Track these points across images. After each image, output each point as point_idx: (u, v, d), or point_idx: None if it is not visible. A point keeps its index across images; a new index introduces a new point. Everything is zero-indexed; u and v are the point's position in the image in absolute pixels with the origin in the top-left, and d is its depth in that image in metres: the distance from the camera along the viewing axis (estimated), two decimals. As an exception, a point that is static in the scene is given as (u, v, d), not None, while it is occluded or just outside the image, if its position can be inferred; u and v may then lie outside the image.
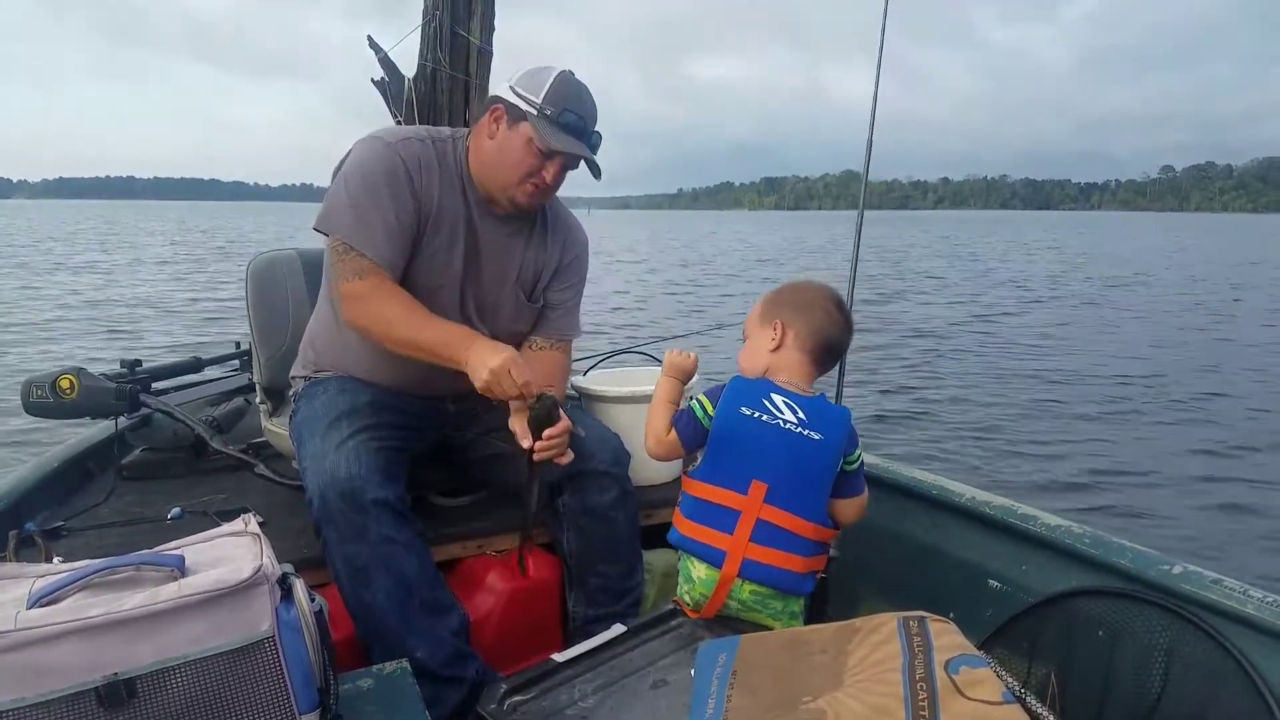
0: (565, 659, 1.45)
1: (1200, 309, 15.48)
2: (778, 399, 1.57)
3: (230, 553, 1.14)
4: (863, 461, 1.64)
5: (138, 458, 2.33)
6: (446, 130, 1.90)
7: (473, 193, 1.86)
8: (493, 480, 2.05)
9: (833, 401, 1.86)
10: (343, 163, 1.81)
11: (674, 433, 1.65)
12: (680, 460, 2.03)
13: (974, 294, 17.62)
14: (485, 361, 1.61)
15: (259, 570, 1.07)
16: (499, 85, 1.83)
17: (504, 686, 1.37)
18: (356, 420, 1.73)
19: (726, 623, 1.56)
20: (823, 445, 1.54)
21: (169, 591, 1.03)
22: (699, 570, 1.57)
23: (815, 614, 1.71)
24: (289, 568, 1.16)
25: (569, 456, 1.73)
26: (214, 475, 2.29)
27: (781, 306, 1.66)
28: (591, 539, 1.89)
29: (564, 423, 1.68)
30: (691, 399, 1.67)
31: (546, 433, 1.66)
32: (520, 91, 1.77)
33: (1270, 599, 1.43)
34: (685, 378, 1.73)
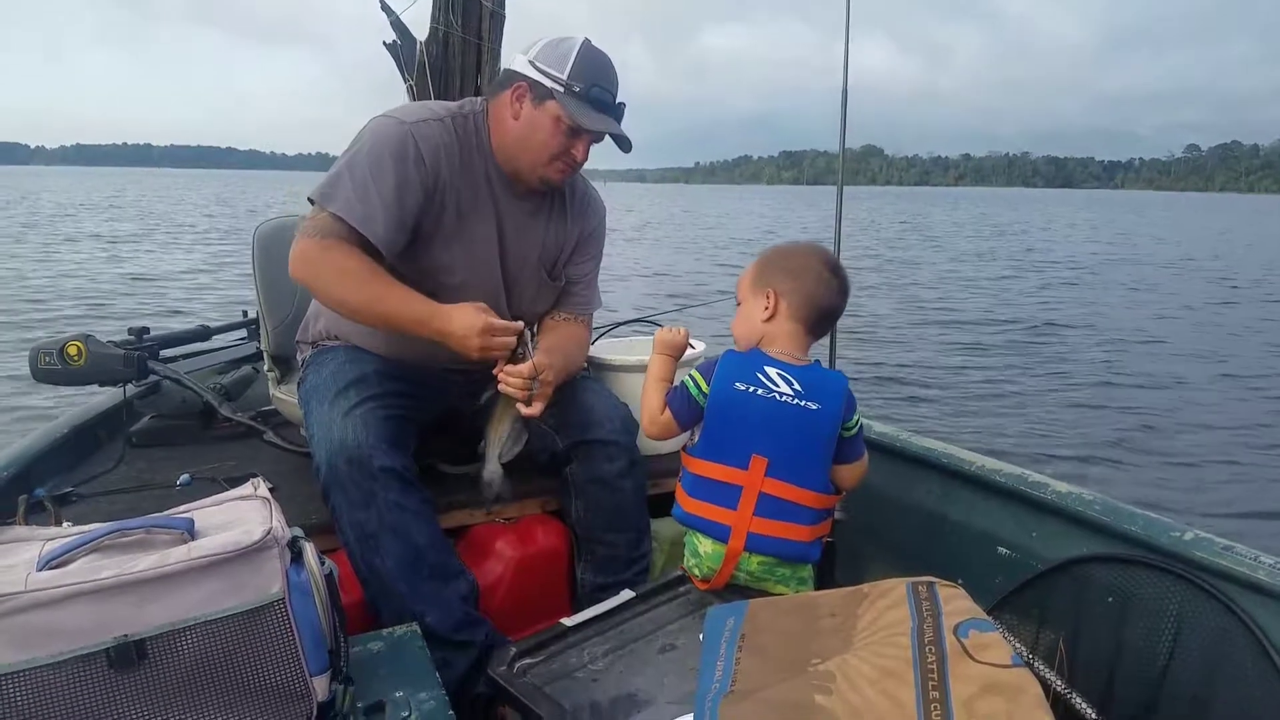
0: (574, 624, 1.45)
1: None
2: (771, 371, 1.54)
3: (240, 516, 1.14)
4: (861, 426, 1.62)
5: (146, 425, 2.34)
6: (465, 104, 1.85)
7: (494, 171, 1.83)
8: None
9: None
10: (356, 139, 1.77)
11: (669, 412, 1.63)
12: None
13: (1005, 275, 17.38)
14: (470, 325, 1.60)
15: (269, 533, 1.08)
16: (514, 59, 1.78)
17: (513, 650, 1.38)
18: (365, 388, 1.73)
19: (735, 590, 1.56)
20: (820, 415, 1.52)
21: (179, 554, 1.04)
22: (705, 545, 1.57)
23: (824, 581, 1.71)
24: (299, 531, 1.16)
25: (536, 409, 1.68)
26: (223, 443, 2.29)
27: (774, 273, 1.62)
28: (599, 508, 1.88)
29: (524, 366, 1.64)
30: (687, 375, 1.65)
31: (508, 368, 1.65)
32: (542, 67, 1.72)
33: None
34: (677, 353, 1.71)
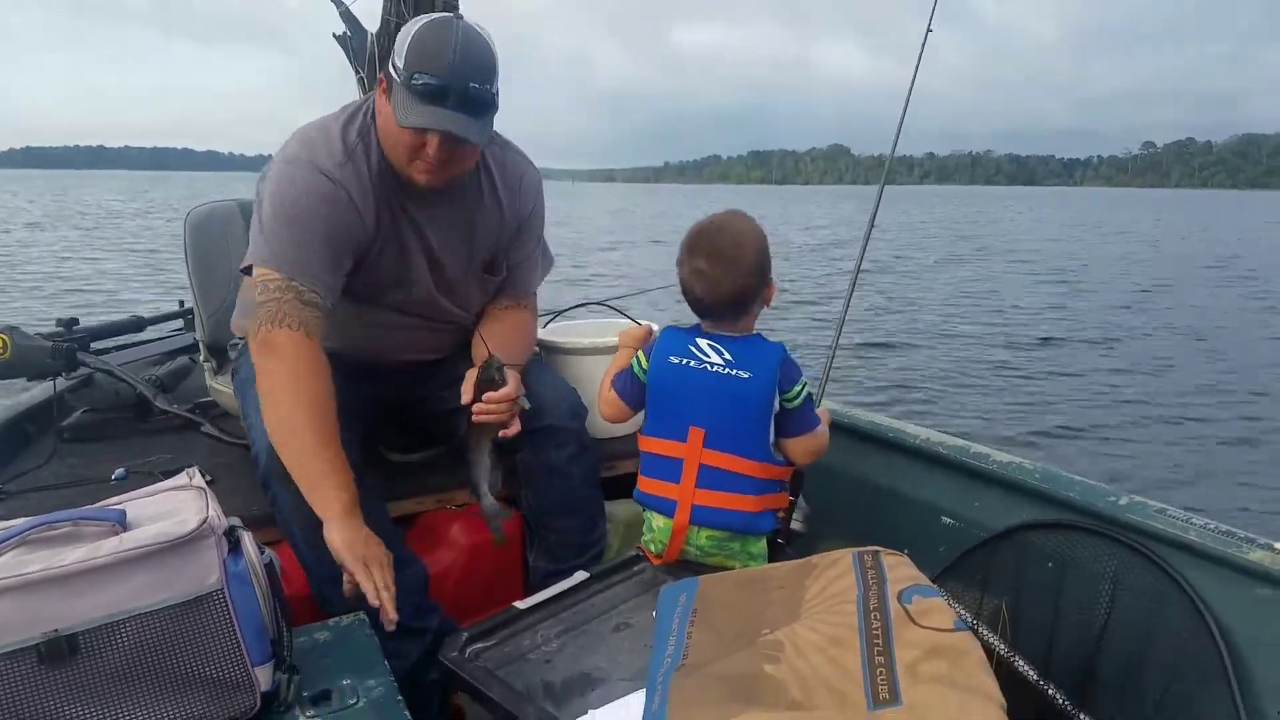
0: (527, 606, 1.45)
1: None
2: (703, 343, 1.56)
3: (174, 507, 1.11)
4: (809, 398, 1.59)
5: (79, 419, 2.27)
6: (359, 119, 1.67)
7: (398, 181, 1.67)
8: (450, 435, 2.02)
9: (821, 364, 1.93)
10: (266, 176, 1.65)
11: (613, 391, 1.66)
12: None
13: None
14: (350, 547, 1.44)
15: (204, 523, 1.05)
16: None
17: (465, 635, 1.37)
18: None
19: (689, 567, 1.56)
20: (752, 384, 1.52)
21: (110, 546, 1.01)
22: (658, 520, 1.59)
23: (777, 557, 1.73)
24: (236, 521, 1.14)
25: (515, 428, 1.68)
26: (159, 435, 2.24)
27: None
28: (550, 494, 1.86)
29: (507, 389, 1.62)
30: None
31: (486, 396, 1.62)
32: (394, 54, 1.54)
33: (1211, 525, 1.47)
34: (641, 345, 1.69)
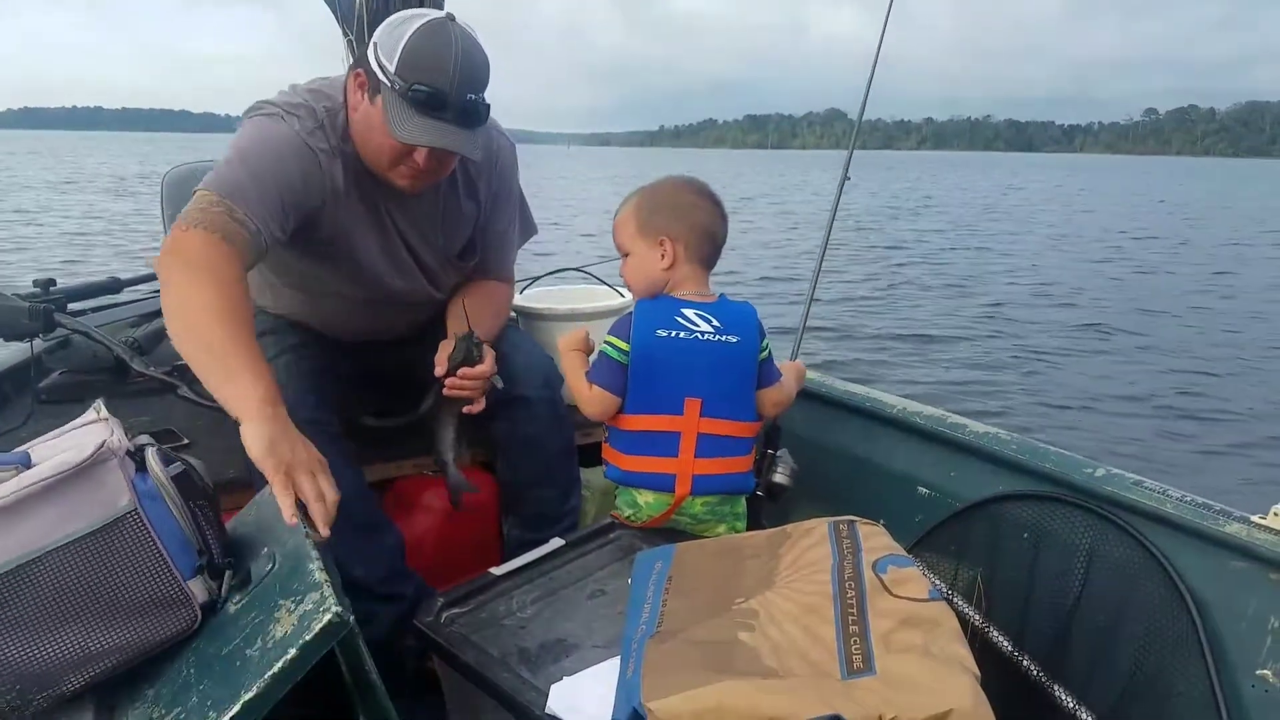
0: (502, 573, 1.45)
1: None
2: (689, 313, 1.55)
3: (78, 441, 1.08)
4: (770, 349, 1.64)
5: (56, 380, 2.24)
6: (332, 98, 1.61)
7: (373, 177, 1.62)
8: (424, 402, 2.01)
9: (790, 349, 1.95)
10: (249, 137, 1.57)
11: (596, 387, 1.59)
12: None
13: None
14: (273, 448, 1.21)
15: (102, 445, 1.03)
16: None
17: (440, 600, 1.37)
18: (284, 338, 1.68)
19: (667, 534, 1.56)
20: (741, 347, 1.55)
21: (9, 487, 0.99)
22: (646, 496, 1.58)
23: (758, 514, 1.75)
24: (144, 439, 1.12)
25: (481, 404, 1.66)
26: (137, 398, 2.22)
27: (660, 218, 1.59)
28: (524, 466, 1.86)
29: (483, 367, 1.61)
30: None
31: (461, 371, 1.61)
32: (379, 53, 1.47)
33: (1188, 499, 1.47)
34: (585, 349, 1.67)
